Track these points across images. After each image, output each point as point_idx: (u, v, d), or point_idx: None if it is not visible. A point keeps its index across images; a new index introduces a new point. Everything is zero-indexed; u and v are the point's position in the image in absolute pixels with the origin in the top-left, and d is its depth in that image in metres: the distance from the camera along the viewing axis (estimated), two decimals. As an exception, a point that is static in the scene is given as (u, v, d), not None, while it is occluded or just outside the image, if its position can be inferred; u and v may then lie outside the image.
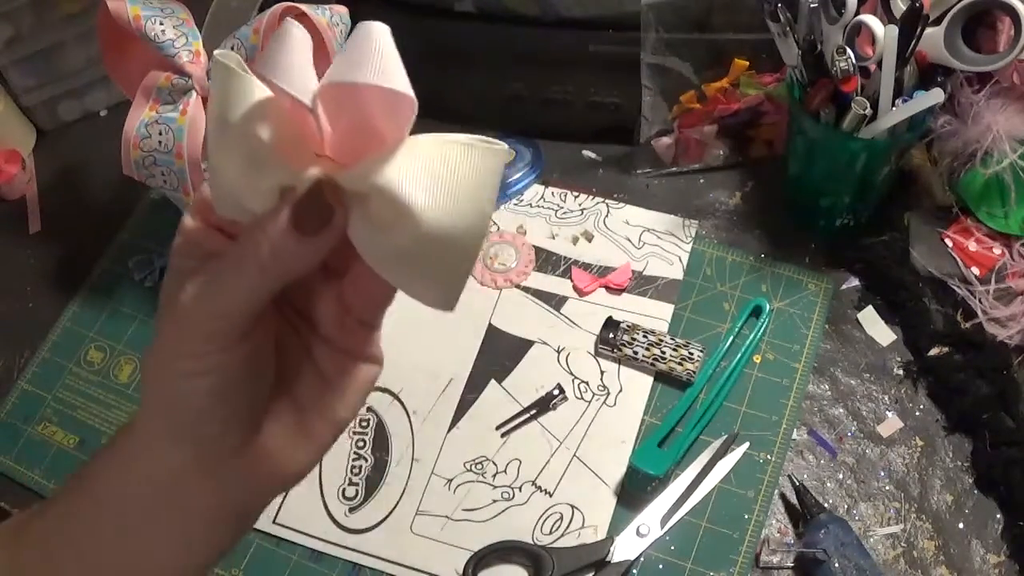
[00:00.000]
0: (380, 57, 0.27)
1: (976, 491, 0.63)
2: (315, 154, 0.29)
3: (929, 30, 0.60)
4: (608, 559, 0.62)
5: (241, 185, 0.30)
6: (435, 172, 0.28)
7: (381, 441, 0.69)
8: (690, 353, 0.68)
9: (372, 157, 0.28)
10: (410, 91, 0.27)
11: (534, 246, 0.76)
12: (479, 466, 0.67)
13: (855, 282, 0.72)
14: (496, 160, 0.29)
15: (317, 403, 0.35)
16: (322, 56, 0.64)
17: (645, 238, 0.76)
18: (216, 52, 0.29)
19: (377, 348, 0.35)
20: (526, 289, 0.74)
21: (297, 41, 0.28)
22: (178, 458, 0.32)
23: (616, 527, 0.63)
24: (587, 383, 0.70)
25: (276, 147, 0.28)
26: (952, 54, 0.61)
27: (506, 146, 0.29)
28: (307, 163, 0.29)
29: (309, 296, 0.35)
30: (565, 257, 0.76)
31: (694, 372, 0.68)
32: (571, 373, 0.70)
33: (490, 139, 0.28)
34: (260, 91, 0.29)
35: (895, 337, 0.69)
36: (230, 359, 0.31)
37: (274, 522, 0.65)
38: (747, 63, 0.72)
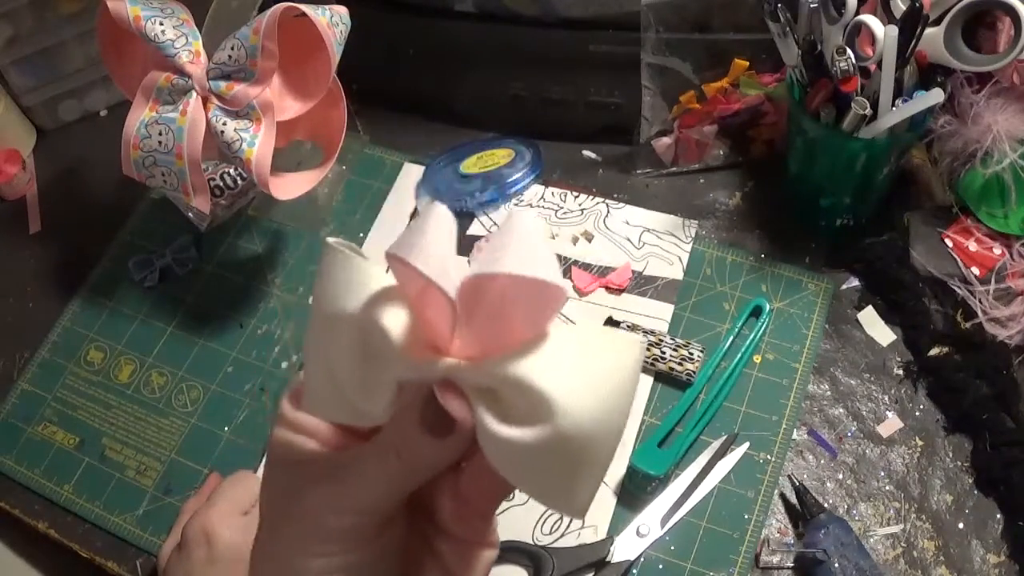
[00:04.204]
0: (527, 245, 0.25)
1: (976, 491, 0.63)
2: (435, 345, 0.27)
3: (929, 30, 0.60)
4: (608, 559, 0.62)
5: (353, 381, 0.28)
6: (576, 364, 0.26)
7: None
8: (690, 353, 0.68)
9: (508, 351, 0.26)
10: (560, 280, 0.25)
11: (534, 246, 0.76)
12: (479, 466, 0.67)
13: (855, 282, 0.72)
14: (637, 352, 0.27)
15: None
16: (322, 56, 0.64)
17: (645, 238, 0.76)
18: (329, 240, 0.27)
19: (494, 533, 0.34)
20: (526, 289, 0.74)
21: (441, 223, 0.26)
22: None
23: (616, 527, 0.63)
24: (587, 383, 0.69)
25: (399, 339, 0.26)
26: (952, 54, 0.61)
27: (643, 337, 0.27)
28: (428, 355, 0.27)
29: (427, 488, 0.34)
30: (565, 257, 0.76)
31: (694, 372, 0.68)
32: (571, 373, 0.70)
33: (625, 332, 0.27)
34: (382, 278, 0.27)
35: (895, 337, 0.69)
36: (363, 556, 0.30)
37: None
38: (747, 63, 0.72)
